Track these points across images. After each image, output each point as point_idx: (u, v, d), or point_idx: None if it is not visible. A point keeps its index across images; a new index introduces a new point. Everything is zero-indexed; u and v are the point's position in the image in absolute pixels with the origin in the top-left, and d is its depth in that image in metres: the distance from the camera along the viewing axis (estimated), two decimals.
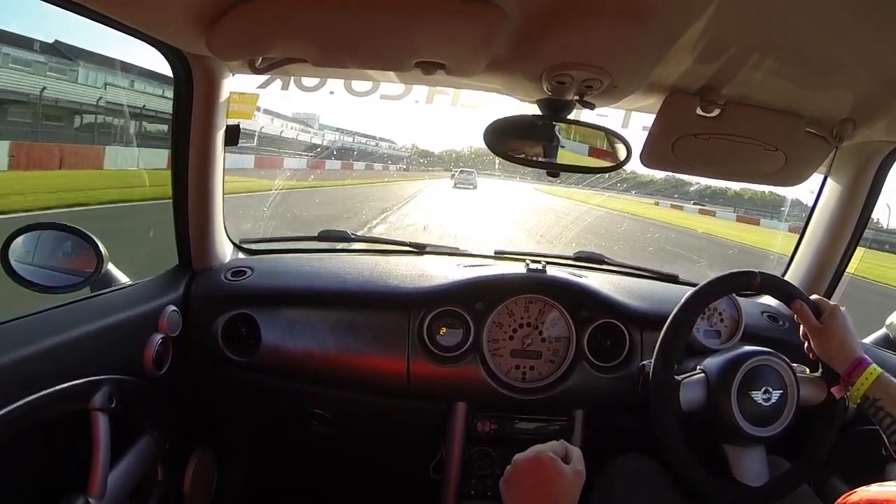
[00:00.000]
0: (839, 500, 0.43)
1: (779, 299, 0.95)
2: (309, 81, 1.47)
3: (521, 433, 1.15)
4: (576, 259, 1.48)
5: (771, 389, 0.91)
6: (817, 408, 0.91)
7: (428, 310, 1.15)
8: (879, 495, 0.39)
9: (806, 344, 0.91)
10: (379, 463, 1.48)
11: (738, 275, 0.95)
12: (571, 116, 0.99)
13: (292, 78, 1.45)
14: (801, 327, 0.91)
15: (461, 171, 19.31)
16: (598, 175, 1.10)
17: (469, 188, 17.69)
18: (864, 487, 0.42)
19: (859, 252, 1.21)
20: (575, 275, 1.26)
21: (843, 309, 0.88)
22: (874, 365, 0.81)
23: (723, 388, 0.90)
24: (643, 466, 0.97)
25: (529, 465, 0.61)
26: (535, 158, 1.03)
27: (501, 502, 0.61)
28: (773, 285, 0.95)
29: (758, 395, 0.89)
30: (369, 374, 1.14)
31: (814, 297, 0.92)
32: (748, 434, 0.88)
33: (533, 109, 1.05)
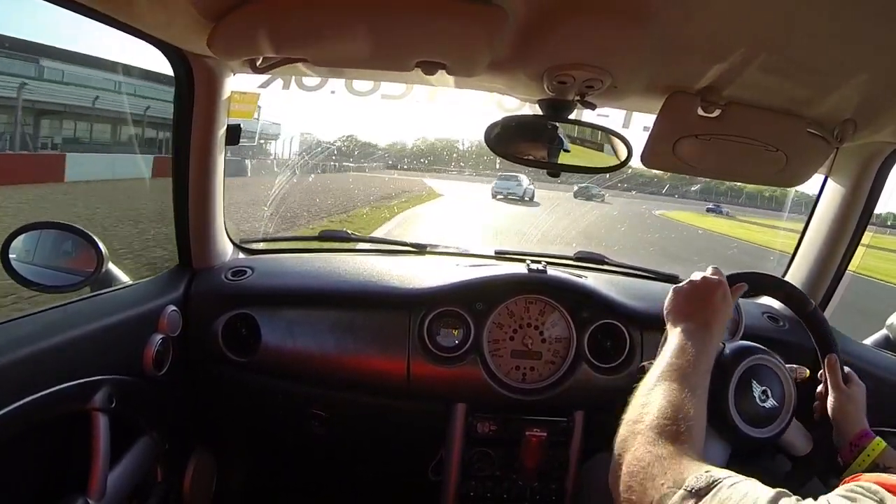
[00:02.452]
0: (848, 478, 0.44)
1: (816, 343, 0.92)
2: (310, 81, 1.48)
3: (520, 434, 1.15)
4: (576, 259, 1.47)
5: (770, 390, 0.90)
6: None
7: (428, 310, 1.14)
8: (889, 480, 0.39)
9: (817, 402, 0.88)
10: (378, 463, 1.48)
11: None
12: (572, 116, 0.99)
13: (293, 78, 1.45)
14: (821, 384, 0.88)
15: (501, 177, 14.38)
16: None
17: (518, 202, 13.28)
18: (872, 473, 0.43)
19: (859, 252, 1.21)
20: (575, 275, 1.26)
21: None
22: (879, 438, 0.81)
23: (721, 387, 0.89)
24: None
25: (673, 293, 0.77)
26: (535, 158, 1.04)
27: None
28: (816, 326, 0.91)
29: (756, 395, 0.89)
30: (369, 375, 1.14)
31: (846, 368, 0.89)
32: (746, 435, 0.88)
33: (534, 109, 1.05)
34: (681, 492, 0.43)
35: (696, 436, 0.54)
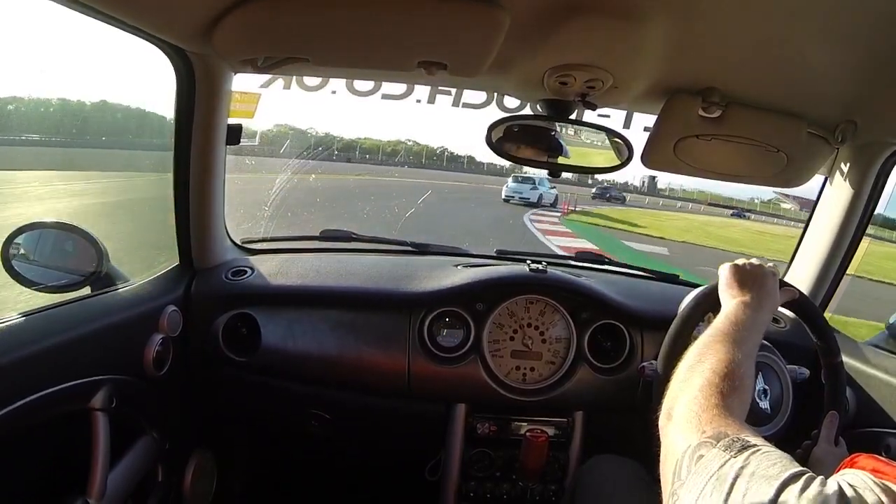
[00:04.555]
0: (846, 459, 0.45)
1: (826, 393, 0.89)
2: (311, 81, 1.48)
3: (520, 435, 1.15)
4: (577, 259, 1.48)
5: (769, 390, 0.90)
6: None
7: (428, 310, 1.14)
8: (885, 468, 0.40)
9: (800, 451, 0.88)
10: (378, 464, 1.48)
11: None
12: (573, 117, 0.99)
13: (294, 77, 1.45)
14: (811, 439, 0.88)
15: (515, 178, 13.44)
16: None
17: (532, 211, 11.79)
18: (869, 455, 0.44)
19: (860, 253, 1.21)
20: (576, 275, 1.26)
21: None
22: None
23: None
24: (619, 467, 0.97)
25: (734, 267, 0.79)
26: (536, 158, 1.04)
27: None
28: (833, 378, 0.90)
29: (755, 393, 0.89)
30: (369, 375, 1.13)
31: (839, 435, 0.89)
32: None
33: (535, 110, 1.05)
34: (717, 445, 0.44)
35: (744, 398, 0.55)
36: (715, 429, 0.47)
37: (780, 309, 1.25)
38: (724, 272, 0.80)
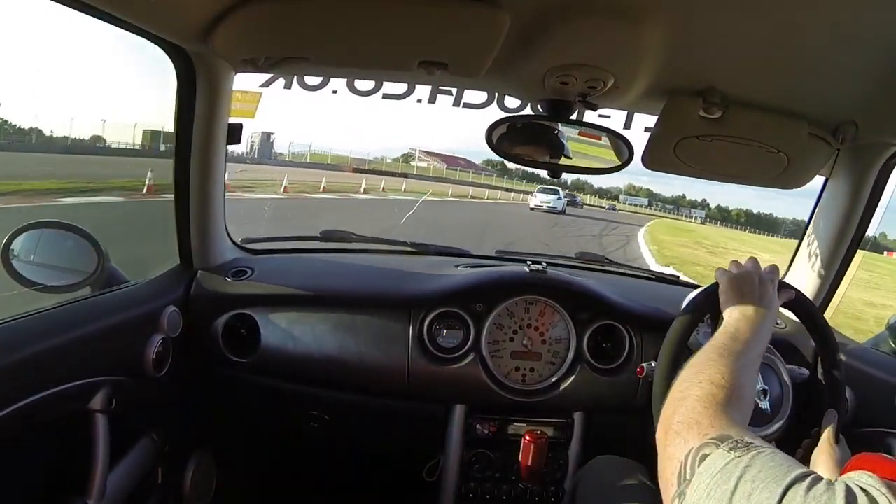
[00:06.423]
0: (852, 459, 0.46)
1: (826, 394, 0.87)
2: (312, 80, 1.48)
3: (520, 435, 1.15)
4: (577, 260, 1.48)
5: (768, 390, 0.90)
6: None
7: (428, 310, 1.14)
8: (891, 467, 0.40)
9: (800, 451, 0.86)
10: (378, 465, 1.48)
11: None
12: (573, 117, 0.99)
13: (295, 77, 1.45)
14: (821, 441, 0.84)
15: (542, 189, 13.90)
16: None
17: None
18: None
19: (859, 254, 1.21)
20: (575, 276, 1.26)
21: None
22: None
23: None
24: (619, 468, 0.97)
25: (734, 277, 0.78)
26: (536, 159, 1.04)
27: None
28: (833, 379, 0.88)
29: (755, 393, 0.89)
30: (369, 375, 1.13)
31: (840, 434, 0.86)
32: None
33: (535, 110, 1.05)
34: (722, 446, 0.44)
35: (746, 408, 0.55)
36: (718, 431, 0.47)
37: (780, 309, 1.25)
38: (723, 281, 0.79)
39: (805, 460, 0.84)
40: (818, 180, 1.19)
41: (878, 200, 1.13)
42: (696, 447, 0.45)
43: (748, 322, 0.69)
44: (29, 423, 0.71)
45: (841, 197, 1.14)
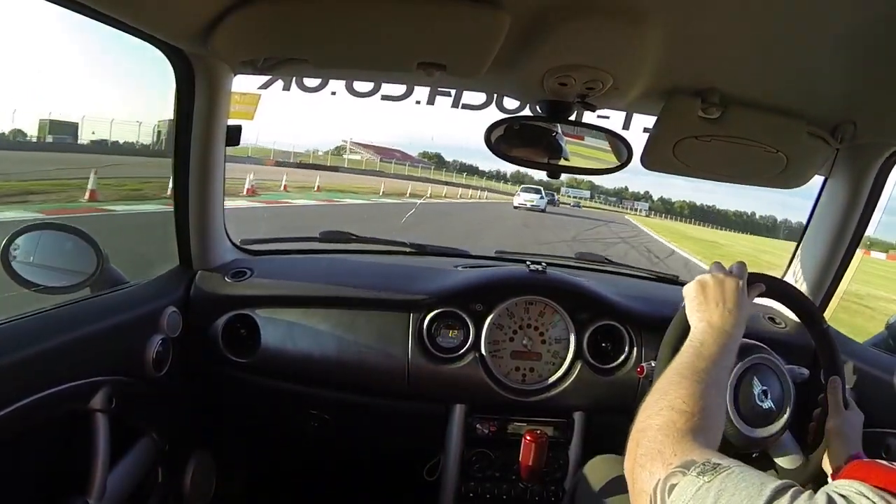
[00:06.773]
0: (846, 467, 0.44)
1: (822, 363, 0.88)
2: (311, 82, 1.48)
3: (519, 435, 1.15)
4: (576, 260, 1.48)
5: (769, 391, 0.90)
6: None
7: (428, 311, 1.14)
8: (884, 474, 0.39)
9: (813, 423, 0.87)
10: (378, 464, 1.48)
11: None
12: (572, 118, 0.99)
13: (294, 78, 1.45)
14: (820, 407, 0.86)
15: (525, 188, 14.94)
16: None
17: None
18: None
19: (858, 255, 1.21)
20: (575, 276, 1.26)
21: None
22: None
23: None
24: (618, 468, 0.97)
25: (696, 286, 0.75)
26: (536, 160, 1.04)
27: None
28: (825, 346, 0.89)
29: (755, 394, 0.89)
30: (369, 376, 1.14)
31: (849, 395, 0.88)
32: (742, 434, 0.87)
33: (534, 111, 1.05)
34: (689, 473, 0.43)
35: (713, 429, 0.53)
36: (681, 458, 0.45)
37: (780, 308, 1.25)
38: (689, 293, 0.75)
39: (818, 430, 0.84)
40: (817, 180, 1.19)
41: (878, 200, 1.13)
42: (663, 478, 0.44)
43: (713, 333, 0.67)
44: (29, 422, 0.71)
45: (840, 196, 1.14)
